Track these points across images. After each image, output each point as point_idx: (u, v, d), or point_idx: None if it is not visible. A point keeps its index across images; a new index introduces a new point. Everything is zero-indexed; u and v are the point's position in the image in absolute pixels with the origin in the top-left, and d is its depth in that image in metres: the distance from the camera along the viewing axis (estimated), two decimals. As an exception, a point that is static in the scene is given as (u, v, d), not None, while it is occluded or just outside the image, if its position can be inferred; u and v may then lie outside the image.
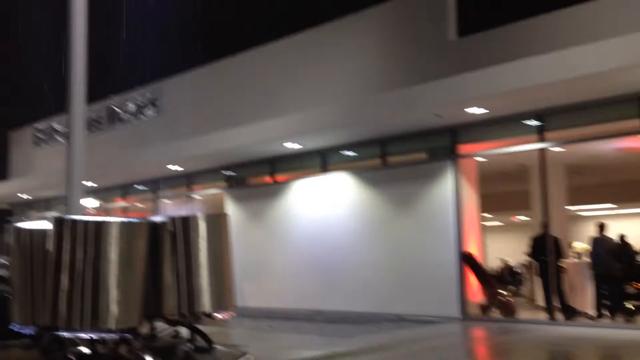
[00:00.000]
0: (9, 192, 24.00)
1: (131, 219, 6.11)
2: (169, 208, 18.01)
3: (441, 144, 13.05)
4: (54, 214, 21.14)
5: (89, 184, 18.41)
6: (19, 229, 6.59)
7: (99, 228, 5.76)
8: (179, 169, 18.05)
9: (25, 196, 24.10)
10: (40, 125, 24.39)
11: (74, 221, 5.87)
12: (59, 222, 5.88)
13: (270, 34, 16.81)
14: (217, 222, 6.39)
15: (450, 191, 12.78)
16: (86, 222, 5.84)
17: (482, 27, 12.38)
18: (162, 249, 6.12)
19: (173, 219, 6.17)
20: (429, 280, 12.79)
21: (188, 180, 18.59)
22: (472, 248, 12.79)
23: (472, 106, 11.44)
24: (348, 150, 14.81)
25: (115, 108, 20.90)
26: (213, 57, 18.27)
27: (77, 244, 5.72)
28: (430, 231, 13.04)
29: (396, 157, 14.01)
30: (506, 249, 20.28)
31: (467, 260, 12.59)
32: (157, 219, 6.28)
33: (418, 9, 13.67)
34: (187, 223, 6.15)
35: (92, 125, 20.50)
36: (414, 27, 13.61)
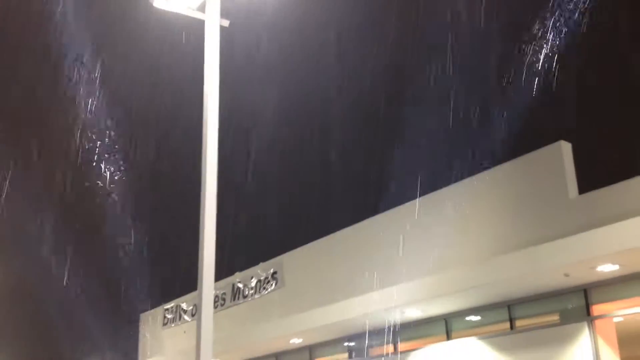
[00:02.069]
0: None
1: None
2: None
3: (573, 304, 12.37)
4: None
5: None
6: None
7: None
8: (300, 341, 17.94)
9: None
10: (169, 305, 25.34)
11: None
12: None
13: (387, 201, 17.01)
14: None
15: (588, 356, 11.85)
16: None
17: (603, 183, 12.12)
18: None
19: None
20: None
21: (310, 353, 18.37)
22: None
23: (605, 263, 10.93)
24: (473, 315, 14.27)
25: (239, 284, 21.49)
26: (331, 229, 18.65)
27: None
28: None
29: (525, 320, 13.34)
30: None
31: None
32: None
33: (537, 169, 13.52)
34: None
35: (216, 301, 21.10)
36: (533, 187, 13.41)
